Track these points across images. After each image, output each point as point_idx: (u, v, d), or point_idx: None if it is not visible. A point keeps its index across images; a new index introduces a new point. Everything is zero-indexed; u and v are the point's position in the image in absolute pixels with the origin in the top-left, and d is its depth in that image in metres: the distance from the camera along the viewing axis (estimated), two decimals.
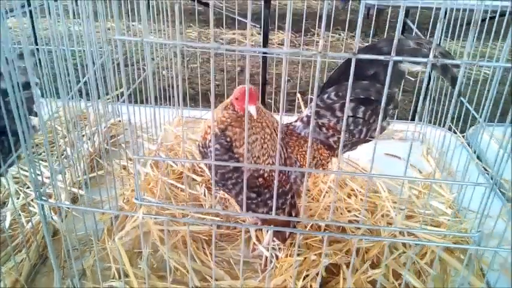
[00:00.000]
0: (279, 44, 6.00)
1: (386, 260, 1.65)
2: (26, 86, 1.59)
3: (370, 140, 1.75)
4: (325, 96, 1.65)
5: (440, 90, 2.43)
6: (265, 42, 3.92)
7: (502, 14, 2.42)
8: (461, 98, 2.22)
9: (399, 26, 0.94)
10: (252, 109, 1.41)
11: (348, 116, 1.66)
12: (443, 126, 2.48)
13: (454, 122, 2.37)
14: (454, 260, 1.66)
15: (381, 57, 0.98)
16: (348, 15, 3.03)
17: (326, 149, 1.71)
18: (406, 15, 4.35)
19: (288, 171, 1.61)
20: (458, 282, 1.63)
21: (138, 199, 1.25)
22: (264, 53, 3.35)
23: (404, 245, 1.75)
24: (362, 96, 1.60)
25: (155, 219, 1.68)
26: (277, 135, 1.56)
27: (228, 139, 1.49)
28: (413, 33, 3.51)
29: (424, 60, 0.96)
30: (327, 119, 1.68)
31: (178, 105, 2.64)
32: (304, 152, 1.67)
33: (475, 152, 2.28)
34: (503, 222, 1.64)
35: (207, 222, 1.61)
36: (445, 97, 2.35)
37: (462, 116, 2.22)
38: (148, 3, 2.75)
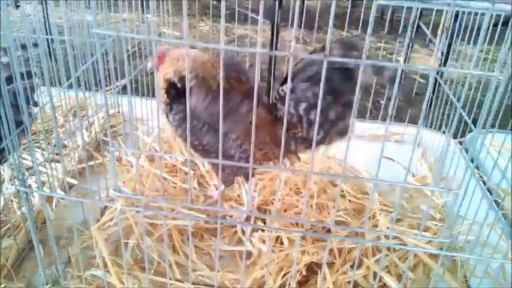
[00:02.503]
0: (291, 41, 5.99)
1: (368, 262, 1.66)
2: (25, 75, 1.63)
3: (331, 143, 1.72)
4: (281, 88, 1.66)
5: (438, 94, 2.41)
6: (275, 40, 3.90)
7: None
8: (456, 103, 2.19)
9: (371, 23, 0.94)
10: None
11: (302, 116, 1.65)
12: (439, 129, 2.47)
13: (454, 127, 2.33)
14: (431, 261, 1.66)
15: (351, 61, 0.98)
16: (362, 14, 2.99)
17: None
18: (420, 16, 4.30)
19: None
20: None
21: (116, 190, 1.27)
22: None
23: (388, 248, 1.75)
24: (312, 102, 1.61)
25: (135, 211, 1.70)
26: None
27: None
28: (427, 37, 3.48)
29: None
30: (282, 112, 1.66)
31: None
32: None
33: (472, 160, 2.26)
34: (494, 230, 1.64)
35: (184, 216, 1.63)
36: (444, 101, 2.32)
37: (462, 121, 2.20)
38: None
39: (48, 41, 3.27)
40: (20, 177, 1.37)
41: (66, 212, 1.87)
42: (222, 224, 1.91)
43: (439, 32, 2.44)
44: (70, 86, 2.05)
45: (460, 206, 1.17)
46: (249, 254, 1.77)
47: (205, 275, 1.65)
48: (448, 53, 2.68)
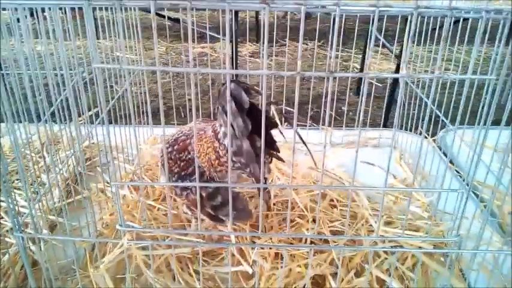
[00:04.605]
0: (249, 56, 6.12)
1: (370, 268, 1.69)
2: None
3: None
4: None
5: (409, 96, 2.50)
6: (235, 56, 3.97)
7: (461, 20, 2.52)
8: (427, 101, 2.27)
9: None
10: None
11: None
12: (413, 131, 2.56)
13: (425, 126, 2.42)
14: (436, 264, 1.71)
15: (357, 75, 1.01)
16: (318, 24, 3.07)
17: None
18: (372, 23, 4.45)
19: None
20: (441, 284, 1.69)
21: (122, 225, 1.24)
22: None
23: (386, 251, 1.78)
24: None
25: (139, 244, 1.66)
26: None
27: None
28: (381, 41, 3.61)
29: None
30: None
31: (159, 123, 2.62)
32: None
33: (445, 155, 2.36)
34: (479, 223, 1.71)
35: (192, 244, 1.60)
36: (414, 102, 2.42)
37: (433, 119, 2.29)
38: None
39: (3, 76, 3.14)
40: (16, 222, 1.31)
41: (55, 251, 1.79)
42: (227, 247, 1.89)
43: (409, 39, 2.54)
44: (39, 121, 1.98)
45: (465, 205, 1.21)
46: (251, 273, 1.76)
47: None
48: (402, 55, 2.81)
